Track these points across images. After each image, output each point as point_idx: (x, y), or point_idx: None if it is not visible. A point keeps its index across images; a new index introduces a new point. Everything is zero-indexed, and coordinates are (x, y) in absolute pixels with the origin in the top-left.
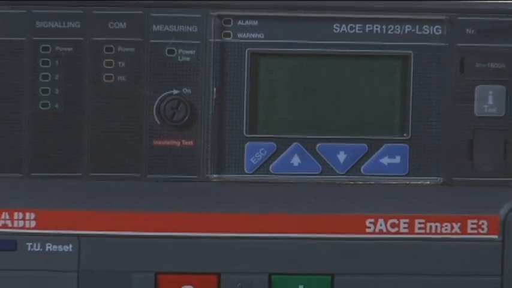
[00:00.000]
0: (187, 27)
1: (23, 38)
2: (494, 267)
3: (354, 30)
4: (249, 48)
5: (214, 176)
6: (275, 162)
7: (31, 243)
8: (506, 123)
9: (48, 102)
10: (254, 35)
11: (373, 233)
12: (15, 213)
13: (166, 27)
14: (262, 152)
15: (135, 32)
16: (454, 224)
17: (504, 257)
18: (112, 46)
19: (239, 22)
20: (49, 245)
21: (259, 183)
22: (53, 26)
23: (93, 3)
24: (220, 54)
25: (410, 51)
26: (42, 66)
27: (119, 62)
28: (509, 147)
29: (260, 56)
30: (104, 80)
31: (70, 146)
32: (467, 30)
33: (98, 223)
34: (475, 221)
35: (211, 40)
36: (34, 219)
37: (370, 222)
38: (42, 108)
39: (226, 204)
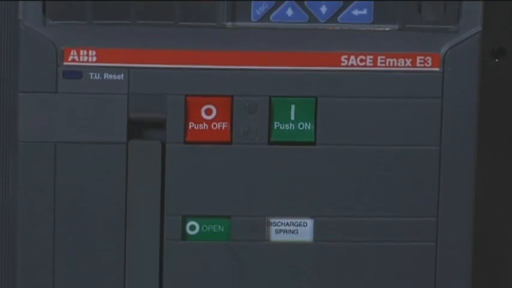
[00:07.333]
0: None
1: None
2: (437, 91)
3: None
4: None
5: (229, 23)
6: (274, 12)
7: (93, 73)
8: None
9: None
10: None
11: (347, 66)
12: (81, 51)
13: None
14: (265, 5)
15: None
16: (406, 60)
17: (444, 84)
18: None
19: None
20: (106, 75)
21: (262, 28)
22: None
23: None
24: None
25: None
26: None
27: None
28: (447, 3)
29: None
30: None
31: (122, 2)
32: None
33: (143, 58)
34: (423, 57)
35: None
36: (95, 55)
37: (344, 58)
38: None
39: (237, 44)
